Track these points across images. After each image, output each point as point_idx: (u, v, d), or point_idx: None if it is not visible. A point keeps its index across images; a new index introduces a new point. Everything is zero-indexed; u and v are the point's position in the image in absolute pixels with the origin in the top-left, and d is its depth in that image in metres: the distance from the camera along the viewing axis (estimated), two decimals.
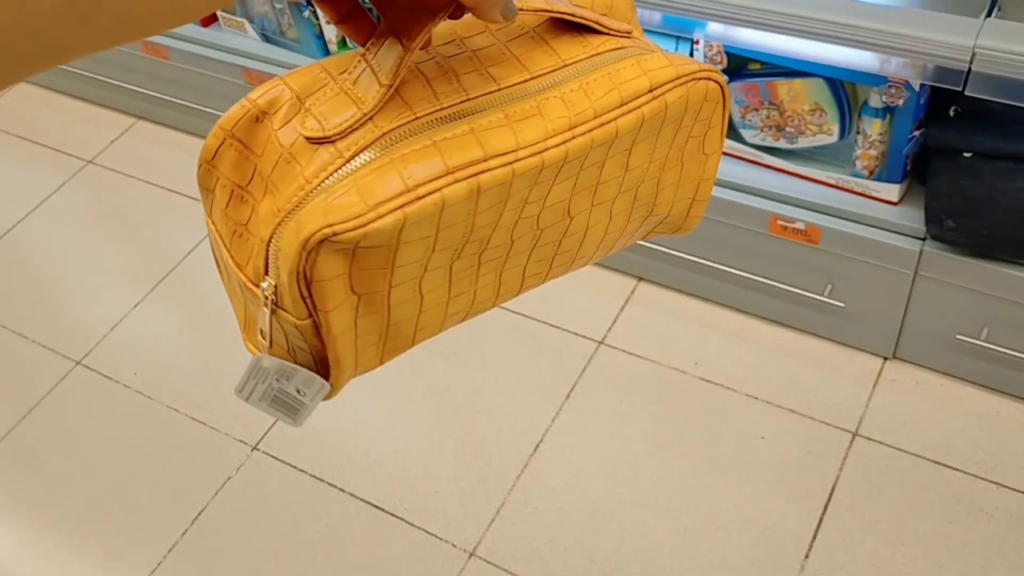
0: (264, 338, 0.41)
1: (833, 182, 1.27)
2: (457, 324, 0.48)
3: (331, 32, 1.56)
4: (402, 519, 1.32)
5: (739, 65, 1.25)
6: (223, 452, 1.43)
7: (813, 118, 1.23)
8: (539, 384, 1.45)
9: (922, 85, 1.12)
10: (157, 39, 1.76)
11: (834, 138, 1.24)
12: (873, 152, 1.21)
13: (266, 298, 0.40)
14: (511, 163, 0.40)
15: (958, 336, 1.27)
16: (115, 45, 0.31)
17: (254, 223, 0.40)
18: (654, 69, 0.43)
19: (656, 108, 0.43)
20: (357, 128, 0.39)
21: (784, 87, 1.23)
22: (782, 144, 1.29)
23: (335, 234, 0.36)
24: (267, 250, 0.39)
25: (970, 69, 1.00)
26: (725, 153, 1.28)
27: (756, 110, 1.27)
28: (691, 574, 1.23)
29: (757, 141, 1.31)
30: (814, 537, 1.23)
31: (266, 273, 0.39)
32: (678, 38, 1.26)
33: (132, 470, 1.44)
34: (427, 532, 1.30)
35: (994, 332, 1.25)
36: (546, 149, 0.41)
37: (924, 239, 1.22)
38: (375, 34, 0.40)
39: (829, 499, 1.27)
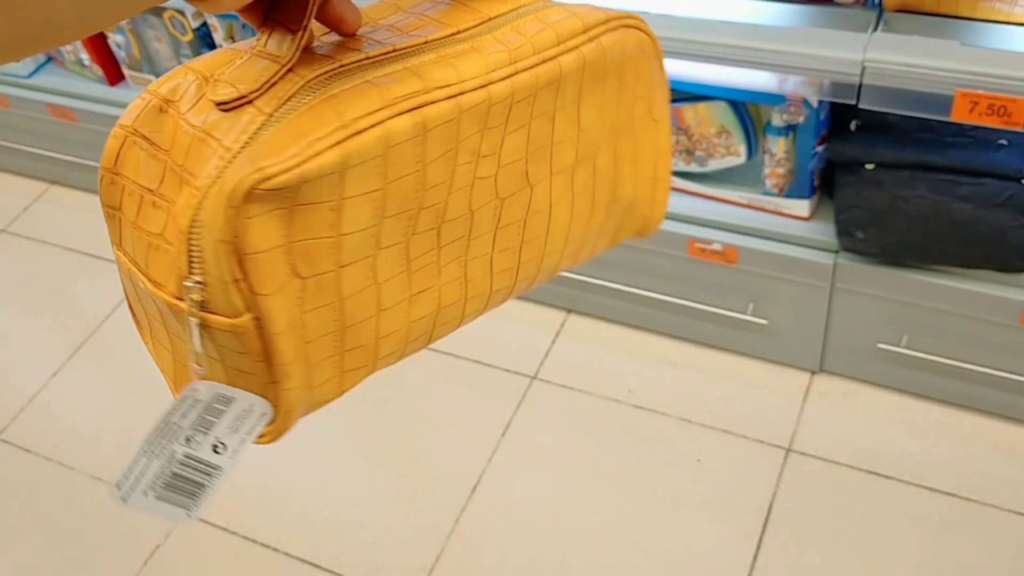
0: (198, 363, 0.35)
1: (746, 202, 1.29)
2: (423, 343, 0.43)
3: None
4: (339, 574, 1.29)
5: None
6: (150, 519, 1.38)
7: (720, 140, 1.25)
8: (473, 425, 1.44)
9: (820, 101, 1.15)
10: (64, 101, 1.73)
11: (742, 159, 1.26)
12: (780, 170, 1.23)
13: (193, 302, 0.33)
14: (456, 95, 0.36)
15: (879, 345, 1.29)
16: (49, 46, 0.28)
17: (171, 226, 0.34)
18: (582, 13, 0.41)
19: (595, 52, 0.41)
20: (277, 81, 0.34)
21: (690, 112, 1.24)
22: (694, 168, 1.31)
23: (266, 178, 0.31)
24: (188, 241, 0.32)
25: (862, 83, 1.02)
26: None
27: None
28: None
29: None
30: (755, 557, 1.23)
31: (190, 272, 0.33)
32: None
33: (57, 544, 1.38)
34: None
35: (913, 338, 1.27)
36: (491, 83, 0.37)
37: (837, 252, 1.24)
38: None
39: (767, 517, 1.27)
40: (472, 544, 1.30)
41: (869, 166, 1.15)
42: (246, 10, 0.35)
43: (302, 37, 0.34)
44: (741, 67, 1.09)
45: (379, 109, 0.34)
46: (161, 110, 0.35)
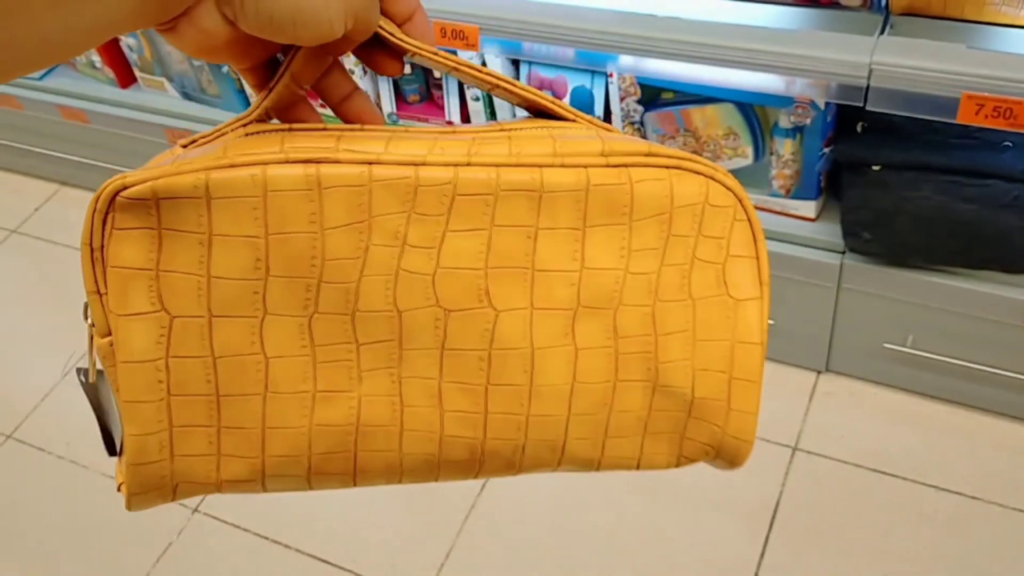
0: (91, 363, 0.36)
1: (752, 203, 1.30)
2: (341, 469, 0.36)
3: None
4: (351, 571, 1.30)
5: (653, 95, 1.28)
6: (163, 517, 1.39)
7: (728, 142, 1.26)
8: None
9: (827, 103, 1.16)
10: (76, 103, 1.74)
11: (749, 160, 1.27)
12: (787, 171, 1.24)
13: (85, 315, 0.35)
14: (369, 163, 0.33)
15: (885, 344, 1.30)
16: (33, 68, 0.29)
17: None
18: (613, 139, 0.35)
19: (610, 178, 0.34)
20: (227, 132, 0.35)
21: (697, 114, 1.26)
22: None
23: (124, 186, 0.31)
24: None
25: (869, 85, 1.03)
26: None
27: (672, 138, 1.30)
28: None
29: None
30: (762, 555, 1.24)
31: None
32: (592, 72, 1.29)
33: (69, 542, 1.39)
34: None
35: (919, 338, 1.28)
36: (424, 163, 0.33)
37: (843, 252, 1.25)
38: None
39: (774, 516, 1.28)
40: (481, 541, 1.31)
41: (875, 167, 1.16)
42: (246, 72, 0.37)
43: (264, 98, 0.35)
44: (749, 70, 1.10)
45: (270, 153, 0.32)
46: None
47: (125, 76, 1.71)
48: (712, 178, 0.36)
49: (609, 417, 0.38)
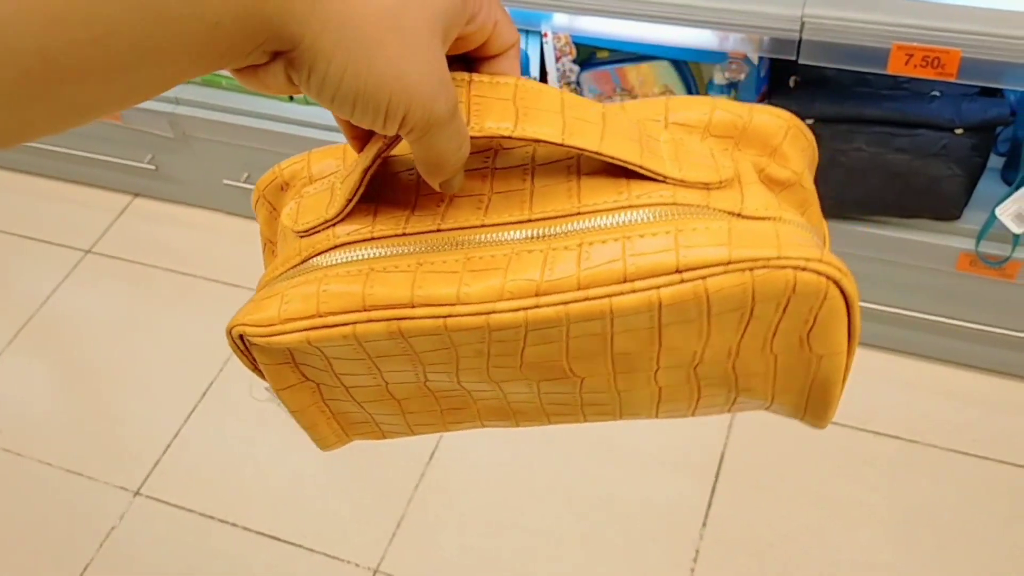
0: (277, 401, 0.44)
1: None
2: (477, 427, 0.45)
3: None
4: (300, 546, 1.29)
5: (588, 55, 1.27)
6: (104, 502, 1.36)
7: None
8: None
9: (760, 58, 1.16)
10: None
11: None
12: None
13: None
14: (443, 317, 0.35)
15: None
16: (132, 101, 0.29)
17: None
18: (694, 245, 0.33)
19: (684, 294, 0.33)
20: (319, 231, 0.39)
21: (633, 72, 1.25)
22: None
23: (246, 335, 0.38)
24: None
25: (801, 38, 1.04)
26: None
27: (609, 97, 1.30)
28: (598, 562, 1.24)
29: None
30: (709, 506, 1.26)
31: None
32: (527, 32, 1.27)
33: (8, 533, 1.35)
34: (328, 556, 1.27)
35: None
36: (493, 312, 0.35)
37: None
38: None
39: (719, 467, 1.30)
40: (432, 509, 1.31)
41: (808, 121, 1.17)
42: (352, 130, 0.38)
43: (351, 202, 0.38)
44: (682, 25, 1.10)
45: (354, 311, 0.36)
46: (282, 188, 0.43)
47: None
48: (803, 269, 0.33)
49: (698, 405, 0.41)
